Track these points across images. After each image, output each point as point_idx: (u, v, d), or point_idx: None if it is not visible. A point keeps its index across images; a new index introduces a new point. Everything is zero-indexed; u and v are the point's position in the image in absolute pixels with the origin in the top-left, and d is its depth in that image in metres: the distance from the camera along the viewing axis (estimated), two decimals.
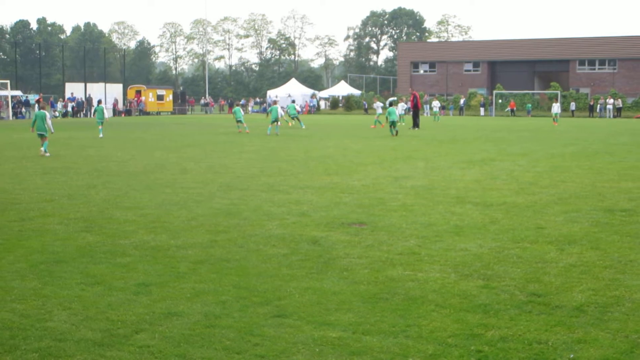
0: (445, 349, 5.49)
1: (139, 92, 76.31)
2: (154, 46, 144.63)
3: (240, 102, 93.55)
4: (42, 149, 22.72)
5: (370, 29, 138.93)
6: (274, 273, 7.73)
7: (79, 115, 65.80)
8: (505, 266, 7.96)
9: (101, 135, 32.57)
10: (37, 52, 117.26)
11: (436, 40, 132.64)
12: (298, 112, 45.45)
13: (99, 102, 35.90)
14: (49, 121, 23.09)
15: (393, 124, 33.74)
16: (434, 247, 8.94)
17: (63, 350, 5.49)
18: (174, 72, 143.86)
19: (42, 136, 22.93)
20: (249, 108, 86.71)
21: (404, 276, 7.57)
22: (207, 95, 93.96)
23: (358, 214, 11.44)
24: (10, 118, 60.08)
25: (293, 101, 38.61)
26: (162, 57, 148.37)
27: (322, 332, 5.87)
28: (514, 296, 6.83)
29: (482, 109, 73.87)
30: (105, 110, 34.40)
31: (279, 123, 35.57)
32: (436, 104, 60.33)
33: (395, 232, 9.90)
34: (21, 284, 7.36)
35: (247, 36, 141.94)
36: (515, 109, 71.88)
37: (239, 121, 37.92)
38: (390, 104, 38.62)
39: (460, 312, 6.37)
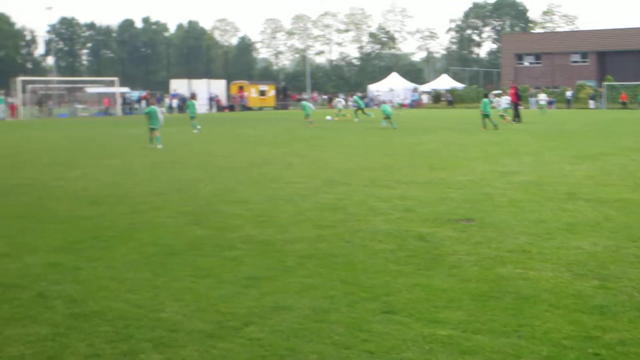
0: (560, 350, 5.30)
1: (241, 88, 77.51)
2: (255, 42, 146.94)
3: (339, 97, 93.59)
4: (156, 142, 23.88)
5: (472, 20, 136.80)
6: (381, 269, 7.67)
7: (183, 110, 67.36)
8: (622, 266, 7.64)
9: (198, 127, 33.26)
10: (143, 50, 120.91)
11: (541, 31, 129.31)
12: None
13: (192, 96, 36.34)
14: (160, 116, 24.18)
15: (485, 116, 33.45)
16: (546, 245, 8.67)
17: (175, 341, 5.60)
18: (275, 67, 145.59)
19: (153, 130, 24.08)
20: (349, 102, 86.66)
21: (514, 274, 7.37)
22: (308, 90, 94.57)
23: (465, 209, 11.24)
24: (119, 114, 62.15)
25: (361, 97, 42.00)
26: (263, 53, 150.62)
27: (431, 329, 5.78)
28: (633, 298, 6.54)
29: (591, 102, 71.46)
30: (196, 106, 34.83)
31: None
32: (543, 96, 58.83)
33: (504, 229, 9.66)
34: (134, 275, 7.55)
35: (347, 31, 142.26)
36: (627, 101, 69.12)
37: (307, 115, 39.66)
38: (485, 96, 37.87)
39: (575, 312, 6.14)
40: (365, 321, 5.98)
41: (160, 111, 24.80)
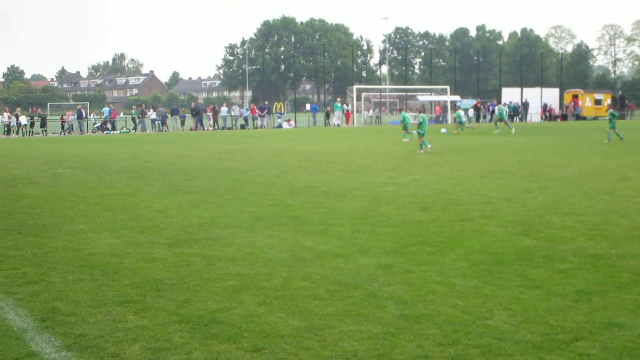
0: None
1: (575, 97, 74.77)
2: (592, 49, 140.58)
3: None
4: (426, 146, 26.60)
5: None
6: None
7: (514, 119, 66.67)
8: None
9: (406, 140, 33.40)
10: (475, 58, 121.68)
11: None
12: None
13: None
14: (426, 122, 27.03)
15: None
16: None
17: (503, 349, 5.62)
18: (612, 75, 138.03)
19: (422, 135, 26.75)
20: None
21: None
22: None
23: None
24: (449, 122, 63.25)
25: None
26: (600, 61, 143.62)
27: None
28: None
29: None
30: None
31: None
32: None
33: None
34: (462, 281, 7.69)
35: None
36: None
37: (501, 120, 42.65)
38: None
39: None
40: None
41: (426, 118, 27.28)
